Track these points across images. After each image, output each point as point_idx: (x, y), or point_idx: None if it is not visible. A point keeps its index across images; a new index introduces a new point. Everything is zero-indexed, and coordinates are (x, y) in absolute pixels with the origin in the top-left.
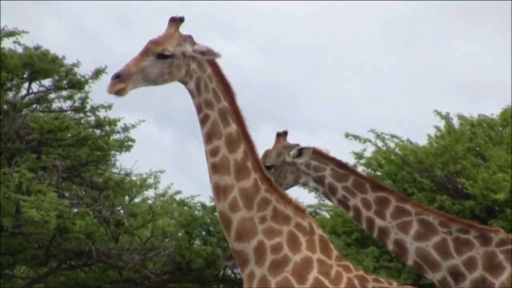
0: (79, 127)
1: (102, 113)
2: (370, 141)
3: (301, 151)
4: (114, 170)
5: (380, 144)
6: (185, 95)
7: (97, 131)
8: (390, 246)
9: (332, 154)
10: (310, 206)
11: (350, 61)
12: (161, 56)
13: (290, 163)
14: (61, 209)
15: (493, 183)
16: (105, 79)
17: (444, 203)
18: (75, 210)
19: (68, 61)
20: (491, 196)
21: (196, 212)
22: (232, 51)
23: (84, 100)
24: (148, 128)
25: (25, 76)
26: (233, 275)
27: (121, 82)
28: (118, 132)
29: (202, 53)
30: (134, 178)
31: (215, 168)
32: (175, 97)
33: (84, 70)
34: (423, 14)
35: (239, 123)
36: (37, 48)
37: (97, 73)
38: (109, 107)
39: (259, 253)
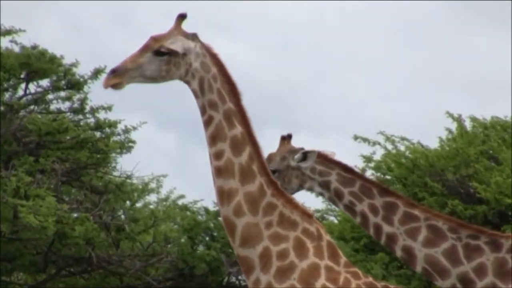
0: (78, 129)
1: (102, 115)
2: (379, 143)
3: (305, 155)
4: (115, 173)
5: (389, 147)
6: (188, 96)
7: (97, 133)
8: (398, 253)
9: (340, 157)
10: (317, 211)
11: (358, 62)
12: (158, 53)
13: (294, 168)
14: (60, 214)
15: (506, 187)
16: None
17: (456, 208)
18: (75, 215)
19: (67, 60)
20: (505, 200)
21: (199, 217)
22: (238, 52)
23: (83, 101)
24: (149, 130)
25: (22, 76)
26: (237, 282)
27: (117, 77)
28: (118, 134)
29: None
30: (135, 181)
31: (219, 172)
32: (177, 98)
33: (83, 70)
34: (435, 14)
35: (244, 125)
36: (35, 47)
37: (97, 73)
38: (109, 108)
39: (264, 259)
